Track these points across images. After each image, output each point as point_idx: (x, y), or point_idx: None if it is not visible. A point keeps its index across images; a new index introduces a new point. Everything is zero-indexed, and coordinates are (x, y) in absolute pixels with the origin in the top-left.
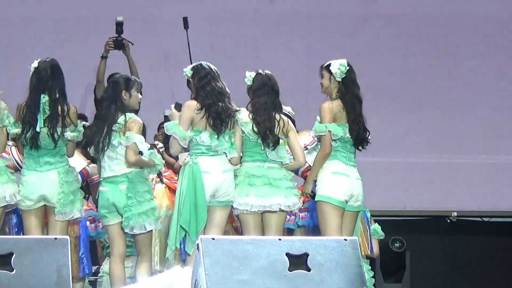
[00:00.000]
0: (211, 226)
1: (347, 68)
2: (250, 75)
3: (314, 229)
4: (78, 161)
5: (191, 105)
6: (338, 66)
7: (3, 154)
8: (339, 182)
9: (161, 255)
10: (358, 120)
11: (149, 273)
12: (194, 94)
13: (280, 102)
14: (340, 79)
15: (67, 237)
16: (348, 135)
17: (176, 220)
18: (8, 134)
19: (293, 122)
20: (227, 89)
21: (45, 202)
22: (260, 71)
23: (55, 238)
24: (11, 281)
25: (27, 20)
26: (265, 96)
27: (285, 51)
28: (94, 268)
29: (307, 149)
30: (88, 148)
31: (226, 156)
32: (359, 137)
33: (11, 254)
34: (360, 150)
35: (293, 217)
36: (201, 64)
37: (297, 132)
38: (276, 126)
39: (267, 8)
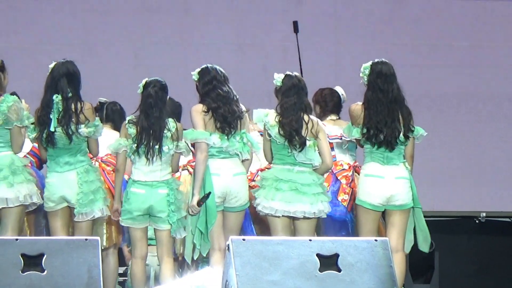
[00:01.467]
0: (226, 231)
1: (370, 70)
2: (279, 77)
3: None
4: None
5: (198, 108)
6: (362, 69)
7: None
8: (372, 184)
9: (182, 244)
10: (377, 123)
11: (174, 275)
12: (200, 98)
13: (309, 103)
14: (366, 82)
15: (98, 238)
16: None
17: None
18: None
19: None
20: (234, 93)
21: (66, 203)
22: (289, 72)
23: (86, 239)
24: (42, 282)
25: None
26: (294, 97)
27: (314, 51)
28: (122, 269)
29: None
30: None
31: (239, 158)
32: (378, 140)
33: (42, 255)
34: (390, 151)
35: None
36: (207, 68)
37: None
38: (304, 127)
39: (295, 8)
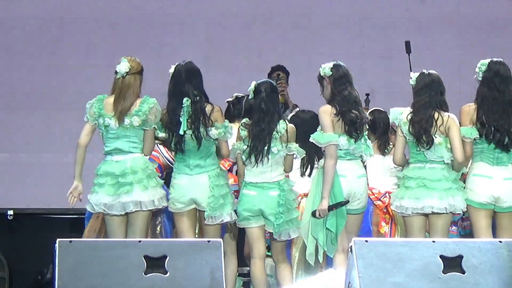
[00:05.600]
0: (346, 233)
1: (487, 67)
2: (414, 76)
3: None
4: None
5: (327, 110)
6: (478, 65)
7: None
8: (480, 184)
9: (300, 258)
10: (493, 121)
11: (292, 277)
12: (329, 96)
13: (444, 100)
14: (480, 78)
15: (220, 240)
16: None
17: (322, 222)
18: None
19: None
20: (359, 96)
21: (196, 205)
22: (424, 70)
23: (208, 241)
24: (165, 284)
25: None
26: (426, 95)
27: (437, 50)
28: (246, 269)
29: None
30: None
31: (362, 160)
32: (496, 139)
33: (164, 257)
34: (507, 151)
35: (454, 227)
36: (340, 65)
37: None
38: (433, 125)
39: (418, 7)
